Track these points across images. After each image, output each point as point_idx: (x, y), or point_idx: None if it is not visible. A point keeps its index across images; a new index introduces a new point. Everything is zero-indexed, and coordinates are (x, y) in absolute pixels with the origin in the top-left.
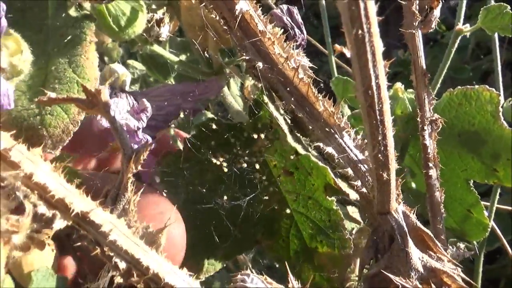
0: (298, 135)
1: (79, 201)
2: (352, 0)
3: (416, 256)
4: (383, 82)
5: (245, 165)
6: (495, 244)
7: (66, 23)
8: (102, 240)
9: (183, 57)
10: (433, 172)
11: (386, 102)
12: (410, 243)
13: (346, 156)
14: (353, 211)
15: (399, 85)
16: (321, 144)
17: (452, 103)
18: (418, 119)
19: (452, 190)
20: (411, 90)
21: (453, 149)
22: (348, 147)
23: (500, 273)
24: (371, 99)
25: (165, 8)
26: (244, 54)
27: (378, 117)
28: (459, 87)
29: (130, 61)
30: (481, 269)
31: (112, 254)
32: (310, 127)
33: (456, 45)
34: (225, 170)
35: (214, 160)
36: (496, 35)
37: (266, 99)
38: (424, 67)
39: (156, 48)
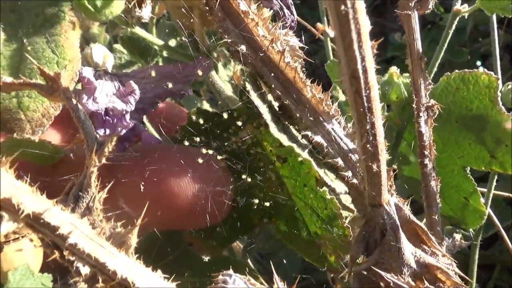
0: (286, 123)
1: (31, 201)
2: None
3: (409, 251)
4: (370, 65)
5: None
6: (490, 231)
7: (41, 2)
8: (60, 243)
9: (173, 42)
10: (428, 161)
11: (374, 88)
12: (403, 237)
13: (336, 145)
14: (346, 199)
15: (394, 69)
16: (309, 133)
17: (450, 87)
18: (414, 105)
19: (448, 177)
20: (407, 74)
21: (450, 135)
22: (338, 135)
23: (496, 259)
24: (357, 84)
25: None
26: (226, 36)
27: (366, 104)
28: (456, 70)
29: (117, 45)
30: (477, 256)
31: (73, 258)
32: (298, 115)
33: (453, 27)
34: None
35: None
36: (494, 17)
37: (248, 86)
38: (421, 50)
39: (138, 30)
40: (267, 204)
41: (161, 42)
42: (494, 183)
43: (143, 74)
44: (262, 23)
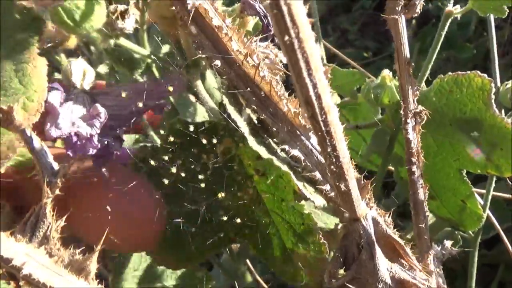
0: (266, 136)
1: None
2: (274, 1)
3: (384, 266)
4: (324, 91)
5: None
6: (491, 232)
7: (15, 25)
8: (15, 273)
9: (166, 48)
10: (416, 168)
11: (332, 112)
12: (378, 252)
13: (314, 158)
14: None
15: (386, 73)
16: (286, 147)
17: (443, 90)
18: (401, 111)
19: (444, 180)
20: None
21: (445, 138)
22: (315, 149)
23: (499, 259)
24: (312, 109)
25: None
26: (201, 52)
27: (323, 128)
28: (449, 73)
29: None
30: (476, 258)
31: None
32: (274, 129)
33: (448, 23)
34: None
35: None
36: (492, 16)
37: (225, 100)
38: (408, 55)
39: (122, 41)
40: (239, 220)
41: (146, 52)
42: (493, 184)
43: (119, 91)
44: (237, 37)
